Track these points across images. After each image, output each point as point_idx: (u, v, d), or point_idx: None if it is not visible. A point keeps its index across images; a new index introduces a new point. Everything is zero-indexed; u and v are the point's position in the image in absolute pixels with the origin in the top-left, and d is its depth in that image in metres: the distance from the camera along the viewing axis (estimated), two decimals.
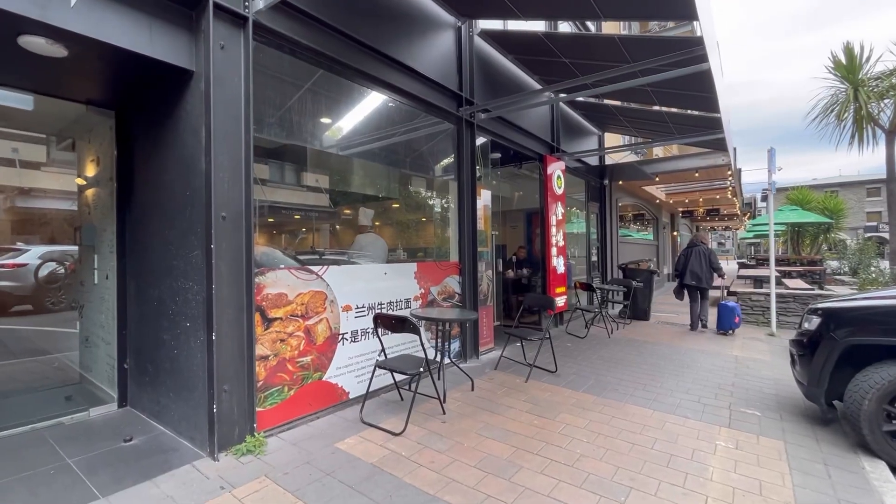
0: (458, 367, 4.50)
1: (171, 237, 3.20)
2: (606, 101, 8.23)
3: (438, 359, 4.26)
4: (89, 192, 4.18)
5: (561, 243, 7.76)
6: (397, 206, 6.74)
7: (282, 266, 3.38)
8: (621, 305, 8.81)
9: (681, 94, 5.94)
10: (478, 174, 5.82)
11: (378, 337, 3.70)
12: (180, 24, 2.90)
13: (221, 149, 2.95)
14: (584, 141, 9.33)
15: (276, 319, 3.28)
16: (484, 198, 5.86)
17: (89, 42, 2.55)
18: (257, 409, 3.14)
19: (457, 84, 5.34)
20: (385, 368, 3.54)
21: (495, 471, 2.81)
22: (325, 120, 4.64)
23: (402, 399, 4.03)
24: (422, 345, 3.45)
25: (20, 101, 3.35)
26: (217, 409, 2.88)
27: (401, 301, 4.47)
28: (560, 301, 7.64)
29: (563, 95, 5.73)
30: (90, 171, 4.15)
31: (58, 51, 2.62)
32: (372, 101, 4.61)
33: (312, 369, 3.56)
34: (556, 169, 7.61)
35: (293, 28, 3.43)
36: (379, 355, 3.79)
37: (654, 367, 5.37)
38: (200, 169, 2.90)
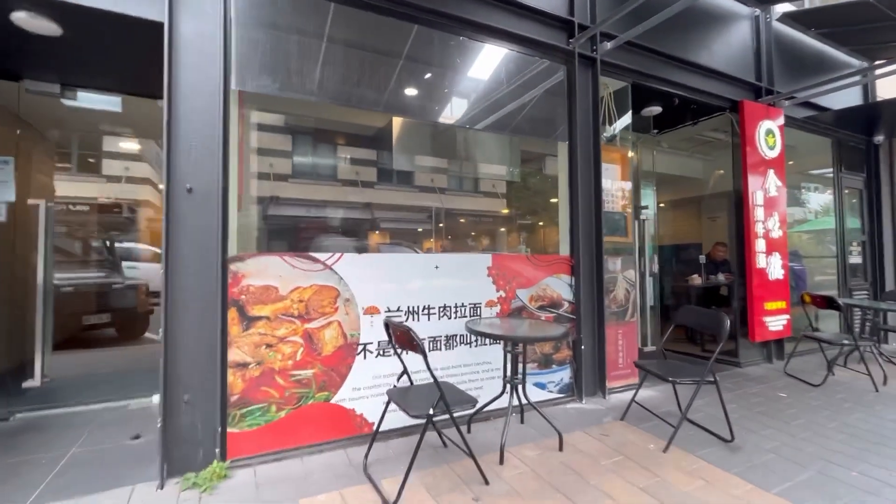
0: (538, 410, 2.96)
1: None
2: None
3: (517, 395, 2.88)
4: None
5: (776, 233, 5.01)
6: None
7: (270, 252, 2.69)
8: None
9: None
10: (609, 133, 4.09)
11: (396, 352, 2.63)
12: None
13: (186, 105, 2.46)
14: (831, 83, 5.99)
15: (259, 318, 2.60)
16: (616, 166, 4.07)
17: (64, 7, 2.39)
18: (230, 429, 2.50)
19: (565, 8, 3.82)
20: (392, 400, 2.44)
21: None
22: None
23: (444, 445, 2.83)
24: (430, 372, 2.22)
25: (109, 103, 3.66)
26: (169, 423, 2.35)
27: (464, 306, 3.27)
28: (776, 322, 4.91)
29: None
30: None
31: (48, 26, 2.56)
32: (445, 47, 3.59)
33: (315, 387, 2.74)
34: (764, 120, 4.97)
35: None
36: (398, 379, 2.71)
37: None
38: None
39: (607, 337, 3.85)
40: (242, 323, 2.56)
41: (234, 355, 2.53)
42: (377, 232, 11.98)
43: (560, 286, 3.70)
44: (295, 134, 8.38)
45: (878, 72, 5.09)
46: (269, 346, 2.62)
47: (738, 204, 4.96)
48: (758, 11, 5.15)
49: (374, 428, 2.63)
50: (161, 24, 2.41)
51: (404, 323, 2.46)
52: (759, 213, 4.87)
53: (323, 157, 9.42)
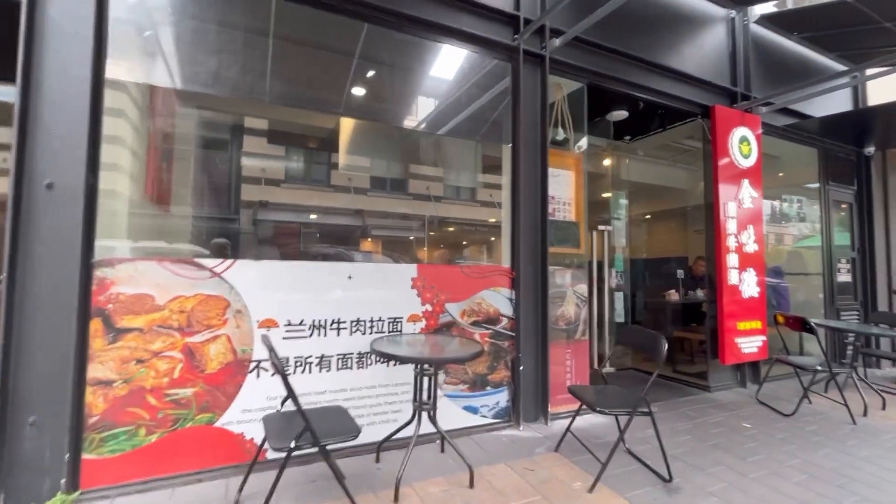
0: (448, 439, 2.63)
1: None
2: None
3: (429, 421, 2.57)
4: None
5: (751, 248, 4.66)
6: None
7: (146, 256, 2.41)
8: None
9: None
10: (561, 136, 3.81)
11: (280, 372, 2.33)
12: None
13: (51, 92, 2.22)
14: (814, 87, 5.65)
15: (130, 330, 2.33)
16: (568, 172, 3.78)
17: None
18: (85, 455, 2.22)
19: (511, 2, 3.56)
20: (264, 426, 2.15)
21: None
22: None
23: (343, 478, 2.51)
24: (293, 398, 1.92)
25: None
26: (8, 448, 2.07)
27: (382, 321, 2.97)
28: (750, 344, 4.55)
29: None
30: None
31: None
32: (373, 40, 3.35)
33: (196, 408, 2.45)
34: (738, 127, 4.66)
35: None
36: (282, 403, 2.41)
37: None
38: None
39: (554, 357, 3.53)
40: (108, 335, 2.29)
41: (95, 371, 2.25)
42: (369, 240, 11.68)
43: (498, 300, 3.39)
44: (238, 133, 7.79)
45: (868, 72, 4.74)
46: (140, 361, 2.34)
47: (709, 213, 4.64)
48: (733, 13, 4.86)
49: (253, 457, 2.32)
50: (18, 3, 2.18)
51: (268, 337, 2.16)
52: (731, 226, 4.54)
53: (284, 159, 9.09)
